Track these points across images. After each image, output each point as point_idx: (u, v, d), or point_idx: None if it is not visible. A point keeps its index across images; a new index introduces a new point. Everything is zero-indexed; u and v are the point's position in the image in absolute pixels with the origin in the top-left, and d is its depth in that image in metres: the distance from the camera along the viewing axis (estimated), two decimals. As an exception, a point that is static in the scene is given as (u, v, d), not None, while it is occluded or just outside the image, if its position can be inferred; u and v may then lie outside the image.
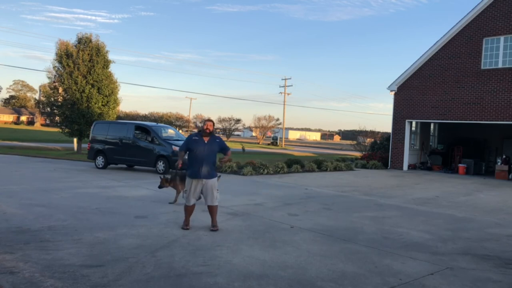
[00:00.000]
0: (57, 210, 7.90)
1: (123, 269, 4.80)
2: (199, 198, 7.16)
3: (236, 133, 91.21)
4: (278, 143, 64.33)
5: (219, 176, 7.14)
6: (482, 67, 18.90)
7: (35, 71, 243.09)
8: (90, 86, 23.64)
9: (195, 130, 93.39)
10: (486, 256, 6.13)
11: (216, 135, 7.30)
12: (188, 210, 6.99)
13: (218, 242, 6.13)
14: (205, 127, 6.92)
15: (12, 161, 17.64)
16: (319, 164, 18.89)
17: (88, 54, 23.89)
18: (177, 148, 14.98)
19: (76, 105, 23.52)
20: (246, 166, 16.24)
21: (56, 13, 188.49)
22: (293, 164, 18.31)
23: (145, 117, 77.36)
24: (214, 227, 6.91)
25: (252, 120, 72.68)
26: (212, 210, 6.98)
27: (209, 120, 7.07)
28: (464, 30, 19.57)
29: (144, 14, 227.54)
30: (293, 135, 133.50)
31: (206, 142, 6.91)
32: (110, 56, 30.68)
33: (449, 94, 19.90)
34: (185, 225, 6.94)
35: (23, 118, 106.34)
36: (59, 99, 24.52)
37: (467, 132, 23.35)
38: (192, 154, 6.90)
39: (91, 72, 23.80)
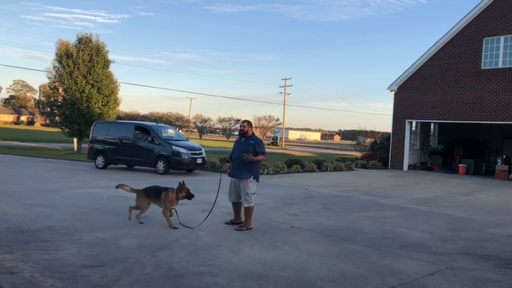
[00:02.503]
0: (57, 210, 7.89)
1: (123, 269, 4.80)
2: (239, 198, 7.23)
3: (236, 133, 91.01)
4: (278, 143, 64.38)
5: (252, 179, 6.99)
6: (482, 67, 18.91)
7: (35, 71, 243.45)
8: (90, 86, 23.64)
9: (195, 130, 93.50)
10: (486, 256, 6.13)
11: (256, 137, 7.28)
12: (233, 208, 7.38)
13: (218, 242, 6.13)
14: (239, 128, 7.22)
15: (12, 161, 17.64)
16: (319, 164, 18.89)
17: (88, 54, 23.88)
18: (177, 148, 15.00)
19: (76, 105, 23.51)
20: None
21: (55, 13, 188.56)
22: (293, 164, 18.32)
23: (145, 117, 77.37)
24: (244, 226, 7.05)
25: (252, 120, 72.47)
26: (244, 210, 7.12)
27: (244, 121, 7.22)
28: (464, 30, 19.57)
29: (143, 14, 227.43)
30: (293, 135, 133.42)
31: (240, 142, 7.16)
32: (110, 56, 30.67)
33: (449, 94, 19.90)
34: (229, 220, 7.44)
35: (23, 118, 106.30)
36: (59, 99, 24.51)
37: (467, 132, 23.34)
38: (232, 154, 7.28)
39: (91, 72, 23.79)
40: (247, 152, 6.88)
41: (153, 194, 7.12)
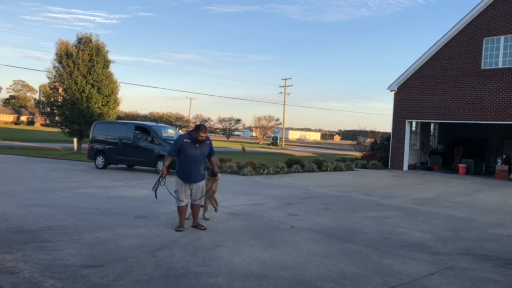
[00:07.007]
0: (57, 210, 7.89)
1: (123, 269, 4.80)
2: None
3: (236, 133, 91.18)
4: (278, 143, 64.33)
5: None
6: (482, 67, 18.90)
7: (35, 71, 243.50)
8: (90, 86, 23.64)
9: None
10: (486, 256, 6.13)
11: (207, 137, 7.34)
12: (182, 210, 6.90)
13: (218, 242, 6.13)
14: (199, 138, 6.68)
15: (12, 161, 17.64)
16: (319, 164, 18.89)
17: (88, 54, 23.88)
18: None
19: (76, 105, 23.51)
20: (246, 166, 16.24)
21: (55, 14, 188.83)
22: (293, 164, 18.31)
23: (145, 117, 77.26)
24: (200, 226, 6.94)
25: (252, 120, 72.79)
26: (198, 209, 7.05)
27: (205, 128, 6.82)
28: (464, 30, 19.57)
29: (142, 15, 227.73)
30: (293, 135, 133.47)
31: (197, 145, 6.79)
32: (110, 56, 30.66)
33: (449, 94, 19.90)
34: (180, 227, 6.81)
35: (23, 118, 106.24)
36: (59, 99, 24.51)
37: (467, 132, 23.34)
38: (183, 158, 6.75)
39: (91, 72, 23.79)
40: (206, 155, 6.96)
41: None
